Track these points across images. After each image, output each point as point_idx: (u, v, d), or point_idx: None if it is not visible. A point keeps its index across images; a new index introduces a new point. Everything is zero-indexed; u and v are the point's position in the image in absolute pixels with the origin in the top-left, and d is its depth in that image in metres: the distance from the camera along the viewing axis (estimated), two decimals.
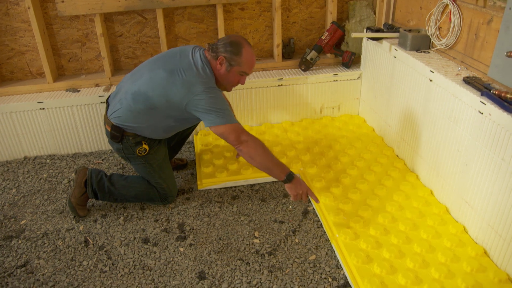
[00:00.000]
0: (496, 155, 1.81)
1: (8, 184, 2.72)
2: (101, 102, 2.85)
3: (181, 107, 2.11)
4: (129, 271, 2.04)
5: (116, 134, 2.25)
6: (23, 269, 2.07)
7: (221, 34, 2.98)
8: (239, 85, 2.91)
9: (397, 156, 2.70)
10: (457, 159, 2.09)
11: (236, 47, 2.11)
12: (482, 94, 1.91)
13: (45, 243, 2.23)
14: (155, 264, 2.07)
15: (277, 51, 3.09)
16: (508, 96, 1.78)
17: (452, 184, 2.14)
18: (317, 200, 2.21)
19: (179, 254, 2.12)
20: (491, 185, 1.86)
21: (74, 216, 2.39)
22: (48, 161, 2.93)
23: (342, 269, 1.94)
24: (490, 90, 1.87)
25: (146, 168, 2.35)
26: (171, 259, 2.10)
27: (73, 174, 2.70)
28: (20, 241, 2.25)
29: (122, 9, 2.78)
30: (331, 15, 3.04)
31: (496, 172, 1.82)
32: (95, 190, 2.37)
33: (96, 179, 2.37)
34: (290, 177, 2.12)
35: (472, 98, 1.94)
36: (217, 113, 2.07)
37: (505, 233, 1.81)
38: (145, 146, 2.28)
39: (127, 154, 2.32)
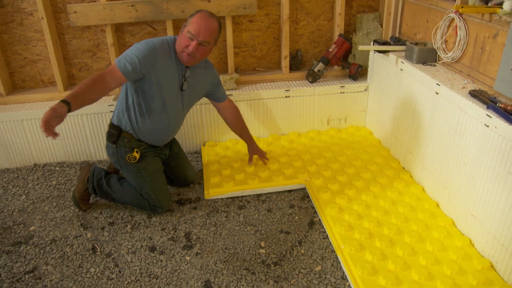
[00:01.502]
0: (502, 168, 1.82)
1: (18, 190, 2.75)
2: (110, 111, 2.89)
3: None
4: (135, 278, 2.05)
5: (114, 132, 2.33)
6: (31, 274, 2.10)
7: (230, 45, 3.02)
8: (247, 96, 2.98)
9: (403, 168, 2.71)
10: (463, 172, 2.09)
11: (194, 12, 2.18)
12: (488, 108, 1.92)
13: (53, 250, 2.26)
14: (161, 272, 2.09)
15: (285, 63, 3.13)
16: None
17: (458, 197, 2.15)
18: None
19: (186, 262, 2.14)
20: (498, 199, 1.86)
21: (82, 224, 2.42)
22: (57, 168, 2.97)
23: (348, 281, 1.95)
24: (496, 104, 1.89)
25: (137, 178, 2.39)
26: (178, 267, 2.11)
27: (78, 170, 2.75)
28: (28, 247, 2.27)
29: (133, 20, 2.83)
30: (339, 28, 3.08)
31: (502, 185, 1.83)
32: (95, 188, 2.46)
33: (97, 178, 2.46)
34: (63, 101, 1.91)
35: (478, 111, 1.95)
36: (124, 54, 2.13)
37: (511, 246, 1.81)
38: (136, 155, 2.33)
39: (120, 160, 2.37)
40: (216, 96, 2.55)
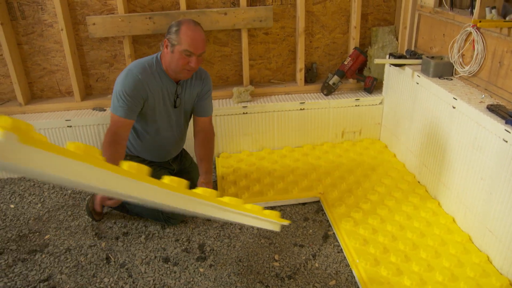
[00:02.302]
0: None
1: (34, 199, 2.78)
2: None
3: None
4: None
5: None
6: (45, 283, 2.11)
7: (245, 57, 3.05)
8: (262, 108, 2.99)
9: (419, 182, 2.68)
10: (481, 188, 2.07)
11: (177, 26, 2.06)
12: (506, 122, 1.90)
13: (67, 259, 2.27)
14: (175, 283, 2.08)
15: (300, 75, 3.14)
16: None
17: (475, 212, 2.12)
18: None
19: (199, 274, 2.13)
20: None
21: (96, 233, 2.43)
22: None
23: None
24: None
25: None
26: (191, 279, 2.11)
27: None
28: (43, 256, 2.29)
29: (150, 32, 2.88)
30: (354, 41, 3.09)
31: None
32: None
33: None
34: None
35: (496, 126, 1.93)
36: (114, 98, 2.11)
37: None
38: None
39: None
40: (199, 107, 2.40)
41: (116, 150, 2.10)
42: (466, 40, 2.35)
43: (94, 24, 2.81)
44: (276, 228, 1.94)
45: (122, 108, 2.11)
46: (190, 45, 2.06)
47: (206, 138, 2.45)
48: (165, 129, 2.33)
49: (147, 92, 2.16)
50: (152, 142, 2.31)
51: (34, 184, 2.93)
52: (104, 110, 3.00)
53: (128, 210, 2.50)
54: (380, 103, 3.10)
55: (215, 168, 3.05)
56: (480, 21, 2.11)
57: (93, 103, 3.03)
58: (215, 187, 2.82)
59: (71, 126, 2.91)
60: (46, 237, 2.44)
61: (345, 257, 2.17)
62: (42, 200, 2.77)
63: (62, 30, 2.81)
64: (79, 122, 2.90)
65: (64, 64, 3.01)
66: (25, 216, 2.62)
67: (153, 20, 2.83)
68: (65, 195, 2.81)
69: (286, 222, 1.96)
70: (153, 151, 2.38)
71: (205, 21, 2.86)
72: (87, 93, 3.14)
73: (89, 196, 2.65)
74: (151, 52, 3.05)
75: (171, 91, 2.25)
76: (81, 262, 2.24)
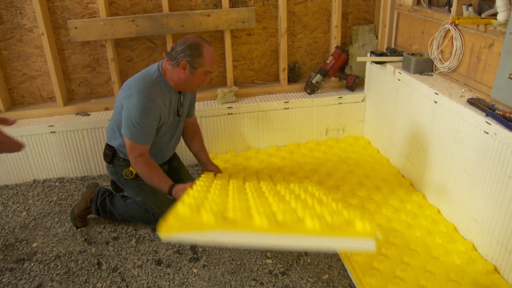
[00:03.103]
0: (503, 173, 1.87)
1: (18, 207, 2.73)
2: None
3: (121, 111, 2.17)
4: None
5: (108, 152, 2.35)
6: None
7: (229, 59, 3.07)
8: (247, 109, 3.02)
9: (403, 176, 2.75)
10: (464, 179, 2.14)
11: (197, 49, 2.10)
12: (487, 115, 1.98)
13: (57, 266, 2.24)
14: (169, 285, 2.08)
15: (283, 75, 3.18)
16: None
17: (460, 202, 2.19)
18: None
19: (193, 275, 2.14)
20: (499, 203, 1.91)
21: (85, 239, 2.41)
22: (57, 184, 2.96)
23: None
24: (495, 111, 1.95)
25: (139, 193, 2.39)
26: (185, 280, 2.11)
27: (84, 189, 2.73)
28: (32, 264, 2.25)
29: (133, 35, 2.86)
30: (335, 40, 3.15)
31: (504, 189, 1.88)
32: (98, 209, 2.46)
33: (100, 199, 2.46)
34: (170, 191, 2.15)
35: (477, 118, 2.01)
36: (132, 126, 2.11)
37: None
38: (132, 170, 2.34)
39: (120, 178, 2.40)
40: (190, 110, 2.50)
41: (156, 171, 2.20)
42: (444, 37, 2.43)
43: (76, 28, 2.78)
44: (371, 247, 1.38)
45: (143, 137, 2.15)
46: (211, 65, 2.17)
47: (195, 132, 2.58)
48: (167, 136, 2.36)
49: (160, 112, 2.19)
50: (152, 149, 2.32)
51: (17, 192, 2.88)
52: (88, 114, 2.97)
53: (117, 219, 2.48)
54: (363, 100, 3.17)
55: (201, 170, 3.05)
56: (458, 18, 2.19)
57: (76, 108, 3.00)
58: None
59: (54, 132, 2.87)
60: (34, 245, 2.40)
61: (336, 252, 2.21)
62: (27, 208, 2.72)
63: (43, 34, 2.77)
64: (63, 127, 2.86)
65: (45, 69, 2.97)
66: (10, 225, 2.57)
67: (136, 23, 2.82)
68: (50, 202, 2.77)
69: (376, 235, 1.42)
70: (151, 156, 2.38)
71: (188, 23, 2.87)
72: (70, 98, 3.10)
73: (75, 202, 2.63)
74: (134, 56, 3.04)
75: (175, 101, 2.29)
76: (72, 268, 2.22)
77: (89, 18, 2.85)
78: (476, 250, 2.10)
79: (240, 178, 2.40)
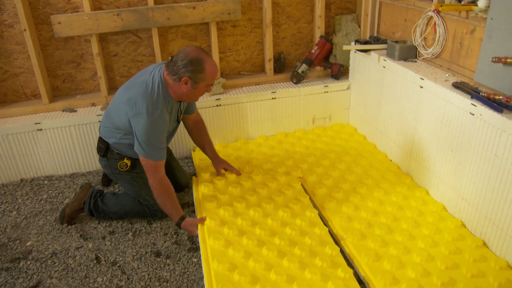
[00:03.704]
0: (489, 152, 1.97)
1: (7, 207, 2.69)
2: (98, 121, 2.88)
3: (126, 124, 2.19)
4: (145, 284, 2.06)
5: (101, 146, 2.36)
6: None
7: (215, 50, 3.08)
8: (235, 100, 3.05)
9: (391, 160, 2.84)
10: (451, 159, 2.23)
11: (198, 64, 2.09)
12: (472, 97, 2.07)
13: (55, 263, 2.22)
14: (170, 275, 2.11)
15: (269, 66, 3.21)
16: (497, 97, 1.94)
17: (448, 183, 2.29)
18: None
19: (193, 264, 2.17)
20: (487, 180, 2.01)
21: (81, 235, 2.40)
22: (46, 182, 2.92)
23: (354, 268, 2.03)
24: (479, 93, 2.04)
25: (133, 186, 2.41)
26: (186, 269, 2.14)
27: (78, 189, 2.70)
28: (28, 262, 2.23)
29: (118, 29, 2.84)
30: (319, 30, 3.20)
31: (490, 167, 1.98)
32: (91, 210, 2.45)
33: (93, 200, 2.46)
34: (179, 222, 2.24)
35: (463, 101, 2.10)
36: (144, 144, 2.13)
37: (502, 223, 1.95)
38: (127, 162, 2.35)
39: (114, 171, 2.40)
40: (189, 108, 2.51)
41: (171, 198, 2.25)
42: (427, 24, 2.51)
43: (59, 23, 2.74)
44: None
45: (158, 152, 2.17)
46: (213, 79, 2.20)
47: (201, 127, 2.64)
48: (166, 140, 2.37)
49: (167, 125, 2.23)
50: None
51: (5, 192, 2.83)
52: (75, 111, 2.94)
53: (112, 217, 2.48)
54: (348, 88, 3.24)
55: (192, 162, 3.07)
56: (441, 6, 2.27)
57: (63, 104, 2.96)
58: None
59: (41, 130, 2.82)
60: (28, 243, 2.37)
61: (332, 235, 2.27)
62: (16, 207, 2.68)
63: (25, 30, 2.72)
64: (50, 124, 2.82)
65: (28, 66, 2.91)
66: (1, 225, 2.52)
67: (121, 17, 2.80)
68: (40, 200, 2.74)
69: None
70: None
71: (174, 16, 2.87)
72: (55, 94, 3.05)
73: (67, 201, 2.60)
74: (119, 50, 3.01)
75: (175, 110, 2.31)
76: (70, 264, 2.21)
77: (72, 12, 2.81)
78: (465, 227, 2.19)
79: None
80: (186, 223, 2.22)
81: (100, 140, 2.37)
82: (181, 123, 2.55)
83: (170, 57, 2.16)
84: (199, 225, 2.20)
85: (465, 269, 1.91)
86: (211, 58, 2.16)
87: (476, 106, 2.02)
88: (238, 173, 2.64)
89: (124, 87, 2.26)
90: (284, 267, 1.95)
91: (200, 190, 2.49)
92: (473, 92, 2.08)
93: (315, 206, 2.44)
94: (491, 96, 1.98)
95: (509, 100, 1.88)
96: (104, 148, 2.35)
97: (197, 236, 2.19)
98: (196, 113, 2.59)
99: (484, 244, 2.08)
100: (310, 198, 2.49)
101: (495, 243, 2.02)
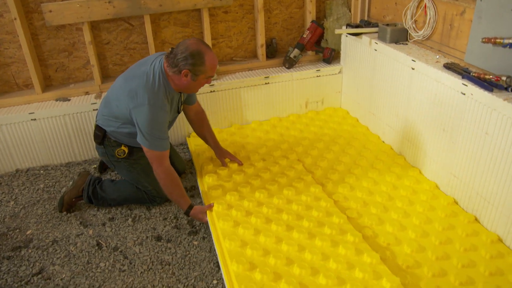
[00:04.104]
0: (480, 130, 2.03)
1: (4, 197, 2.69)
2: (93, 109, 2.88)
3: (126, 114, 2.21)
4: (148, 267, 2.10)
5: (98, 133, 2.37)
6: (39, 276, 2.09)
7: (207, 37, 3.09)
8: (229, 85, 3.07)
9: (384, 142, 2.90)
10: (443, 138, 2.30)
11: (199, 57, 2.11)
12: (463, 77, 2.12)
13: (56, 250, 2.25)
14: (172, 258, 2.15)
15: (261, 51, 3.23)
16: (487, 77, 2.00)
17: (440, 161, 2.36)
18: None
19: (194, 247, 2.21)
20: (478, 157, 2.08)
21: (81, 222, 2.42)
22: (42, 172, 2.92)
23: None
24: (470, 73, 2.09)
25: (131, 172, 2.44)
26: (187, 252, 2.18)
27: (76, 176, 2.71)
28: (30, 250, 2.25)
29: (111, 16, 2.83)
30: (310, 15, 3.22)
31: (481, 145, 2.04)
32: (90, 197, 2.48)
33: (91, 187, 2.48)
34: (187, 211, 2.27)
35: (454, 81, 2.15)
36: (147, 135, 2.15)
37: (493, 199, 2.02)
38: (124, 149, 2.38)
39: (111, 158, 2.42)
40: (188, 99, 2.52)
41: (178, 187, 2.27)
42: (418, 7, 2.56)
43: (50, 11, 2.72)
44: None
45: (162, 142, 2.19)
46: (213, 71, 2.21)
47: (202, 118, 2.65)
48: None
49: (168, 115, 2.25)
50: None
51: (1, 183, 2.82)
52: (69, 100, 2.93)
53: (111, 204, 2.50)
54: (339, 72, 3.28)
55: (187, 148, 3.10)
56: None
57: (56, 94, 2.95)
58: (190, 165, 2.88)
59: (35, 119, 2.82)
60: (28, 232, 2.39)
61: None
62: (14, 197, 2.68)
63: (15, 19, 2.69)
64: (44, 114, 2.81)
65: (19, 56, 2.89)
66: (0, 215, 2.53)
67: (113, 4, 2.79)
68: (37, 189, 2.74)
69: None
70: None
71: (166, 3, 2.86)
72: (47, 84, 3.04)
73: (65, 189, 2.62)
74: (111, 38, 3.00)
75: (176, 101, 2.33)
76: (72, 251, 2.23)
77: (63, 0, 2.79)
78: (457, 203, 2.27)
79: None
80: (195, 211, 2.26)
81: (97, 128, 2.38)
82: (181, 113, 2.57)
83: (170, 49, 2.17)
84: (207, 212, 2.25)
85: (458, 244, 1.99)
86: (211, 51, 2.17)
87: (467, 86, 2.07)
88: (240, 163, 2.67)
89: (124, 78, 2.26)
90: (294, 238, 2.03)
91: (205, 181, 2.53)
92: (464, 73, 2.13)
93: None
94: (481, 75, 2.03)
95: (498, 79, 1.94)
96: (101, 136, 2.36)
97: (207, 223, 2.24)
98: (197, 104, 2.60)
99: (476, 219, 2.15)
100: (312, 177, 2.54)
101: (486, 218, 2.09)
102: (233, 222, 2.12)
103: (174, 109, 2.35)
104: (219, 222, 2.13)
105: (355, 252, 1.92)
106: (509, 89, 1.92)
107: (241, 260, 1.87)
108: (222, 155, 2.67)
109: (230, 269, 1.87)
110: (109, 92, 2.34)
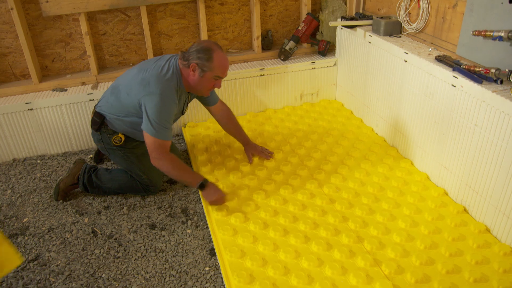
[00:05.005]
0: (469, 121, 2.06)
1: (1, 186, 2.72)
2: (90, 100, 2.91)
3: (134, 102, 2.23)
4: (142, 254, 2.14)
5: (96, 120, 2.40)
6: (35, 262, 2.12)
7: (203, 29, 3.10)
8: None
9: (377, 134, 2.93)
10: (434, 130, 2.33)
11: (207, 52, 2.18)
12: (454, 70, 2.15)
13: (52, 237, 2.28)
14: (166, 246, 2.18)
15: (257, 43, 3.25)
16: (477, 69, 2.03)
17: (431, 153, 2.39)
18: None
19: (188, 235, 2.24)
20: (467, 149, 2.11)
21: (77, 211, 2.45)
22: (38, 161, 2.95)
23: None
24: (460, 66, 2.12)
25: (125, 160, 2.46)
26: (181, 240, 2.21)
27: (71, 164, 2.74)
28: (26, 238, 2.29)
29: (107, 7, 2.85)
30: (306, 7, 3.24)
31: (470, 136, 2.07)
32: (85, 185, 2.51)
33: (87, 175, 2.51)
34: (202, 185, 2.27)
35: (445, 73, 2.18)
36: (154, 123, 2.17)
37: (481, 190, 2.06)
38: (121, 136, 2.41)
39: (106, 146, 2.45)
40: (207, 100, 2.58)
41: (183, 167, 2.29)
42: (411, 0, 2.57)
43: (47, 1, 2.73)
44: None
45: (166, 133, 2.21)
46: (223, 72, 2.26)
47: (229, 116, 2.70)
48: None
49: (176, 108, 2.28)
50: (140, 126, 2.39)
51: None
52: (66, 90, 2.96)
53: (106, 192, 2.53)
54: (334, 64, 3.30)
55: (183, 138, 3.13)
56: None
57: (53, 84, 2.97)
58: (186, 156, 2.91)
59: (32, 109, 2.84)
60: (25, 220, 2.42)
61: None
62: (10, 186, 2.72)
63: (12, 9, 2.71)
64: (41, 104, 2.84)
65: (16, 46, 2.91)
66: None
67: None
68: (34, 179, 2.77)
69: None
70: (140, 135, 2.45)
71: None
72: (44, 74, 3.06)
73: (60, 177, 2.64)
74: (108, 29, 3.02)
75: (183, 100, 2.37)
76: (68, 238, 2.27)
77: None
78: (447, 194, 2.30)
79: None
80: (211, 190, 2.29)
81: (96, 114, 2.40)
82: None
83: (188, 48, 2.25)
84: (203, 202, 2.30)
85: (447, 234, 2.02)
86: (221, 51, 2.22)
87: (457, 78, 2.10)
88: (267, 157, 2.68)
89: (138, 69, 2.29)
90: (301, 230, 2.09)
91: (200, 172, 2.56)
92: (455, 65, 2.16)
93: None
94: (472, 68, 2.06)
95: (488, 71, 1.96)
96: (99, 122, 2.38)
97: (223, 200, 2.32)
98: (219, 103, 2.64)
99: (465, 210, 2.19)
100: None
101: (475, 209, 2.13)
102: (226, 211, 2.15)
103: (179, 109, 2.38)
104: (213, 213, 2.16)
105: (349, 255, 1.94)
106: (498, 81, 1.95)
107: (233, 249, 1.91)
108: (249, 151, 2.70)
109: (224, 258, 1.92)
110: (119, 80, 2.37)
